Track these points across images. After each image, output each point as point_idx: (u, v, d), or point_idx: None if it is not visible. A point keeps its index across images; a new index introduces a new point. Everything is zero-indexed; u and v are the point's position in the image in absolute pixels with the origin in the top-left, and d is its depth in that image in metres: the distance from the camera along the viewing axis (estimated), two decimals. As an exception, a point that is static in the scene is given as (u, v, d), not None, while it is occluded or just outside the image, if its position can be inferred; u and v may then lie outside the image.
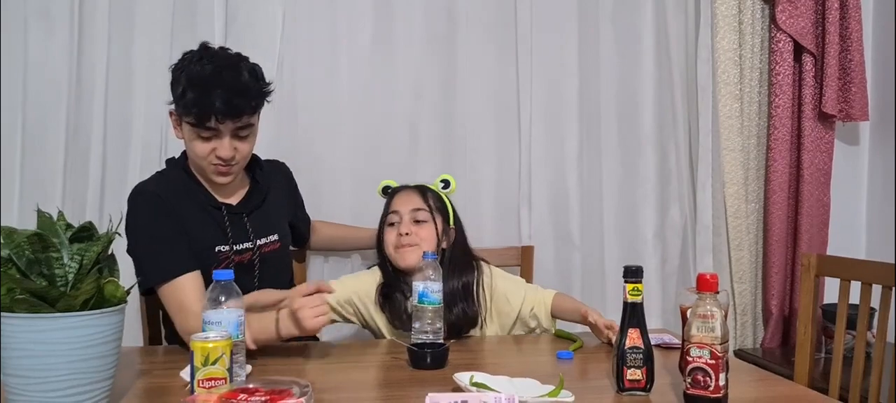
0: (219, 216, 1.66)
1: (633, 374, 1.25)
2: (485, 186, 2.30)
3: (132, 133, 2.10)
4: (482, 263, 1.83)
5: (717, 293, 1.20)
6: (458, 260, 1.77)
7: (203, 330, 1.25)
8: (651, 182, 2.39)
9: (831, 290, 2.13)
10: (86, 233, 1.17)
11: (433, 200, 1.79)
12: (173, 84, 1.56)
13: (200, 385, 1.15)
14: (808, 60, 2.39)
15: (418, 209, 1.77)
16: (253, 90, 1.56)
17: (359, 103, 2.22)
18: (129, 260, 1.57)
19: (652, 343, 1.28)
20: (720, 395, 1.17)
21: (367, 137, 2.23)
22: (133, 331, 1.84)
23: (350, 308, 1.78)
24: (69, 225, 1.17)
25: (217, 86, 1.50)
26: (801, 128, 2.41)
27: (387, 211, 1.80)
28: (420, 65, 2.26)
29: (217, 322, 1.25)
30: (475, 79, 2.28)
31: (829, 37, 2.33)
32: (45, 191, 2.04)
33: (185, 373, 1.30)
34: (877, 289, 1.67)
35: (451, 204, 1.83)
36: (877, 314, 1.67)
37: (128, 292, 1.17)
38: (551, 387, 1.22)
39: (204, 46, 1.59)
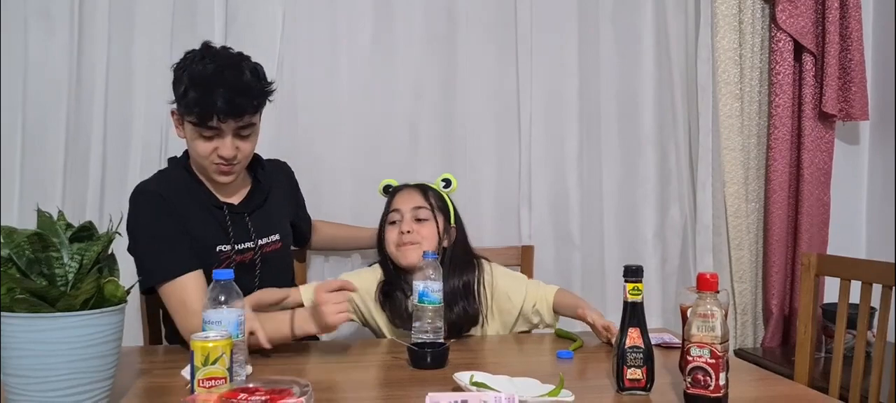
0: (220, 215, 1.66)
1: (634, 374, 1.25)
2: (485, 186, 2.30)
3: (132, 133, 2.10)
4: (483, 261, 1.83)
5: (718, 292, 1.20)
6: (459, 258, 1.77)
7: (203, 330, 1.25)
8: (651, 181, 2.39)
9: (831, 290, 2.13)
10: (86, 233, 1.17)
11: (434, 199, 1.79)
12: (175, 83, 1.56)
13: (200, 384, 1.15)
14: (808, 60, 2.39)
15: (420, 207, 1.77)
16: (255, 89, 1.56)
17: (359, 103, 2.23)
18: (130, 259, 1.57)
19: (652, 342, 1.28)
20: (720, 395, 1.17)
21: (367, 137, 2.23)
22: (133, 331, 1.83)
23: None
24: (69, 225, 1.17)
25: (219, 86, 1.50)
26: (802, 127, 2.41)
27: (388, 209, 1.81)
28: (420, 65, 2.26)
29: (217, 321, 1.25)
30: (475, 79, 2.28)
31: (830, 36, 2.34)
32: (45, 190, 2.04)
33: (185, 372, 1.30)
34: (877, 289, 1.67)
35: (453, 203, 1.84)
36: (877, 313, 1.67)
37: (128, 292, 1.17)
38: (551, 387, 1.22)
39: (206, 46, 1.59)
